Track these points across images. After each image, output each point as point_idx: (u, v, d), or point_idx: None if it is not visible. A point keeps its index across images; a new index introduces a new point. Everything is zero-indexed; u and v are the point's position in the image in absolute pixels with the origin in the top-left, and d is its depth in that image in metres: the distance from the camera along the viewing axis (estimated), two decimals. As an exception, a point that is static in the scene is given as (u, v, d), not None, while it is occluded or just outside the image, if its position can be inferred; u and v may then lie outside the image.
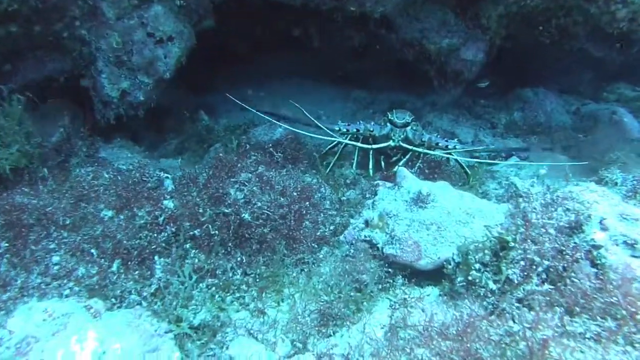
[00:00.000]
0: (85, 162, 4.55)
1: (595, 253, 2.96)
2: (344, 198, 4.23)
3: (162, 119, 7.35)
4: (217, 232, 3.46)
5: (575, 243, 2.99)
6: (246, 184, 3.69)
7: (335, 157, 5.03)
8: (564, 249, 2.98)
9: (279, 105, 7.95)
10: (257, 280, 3.39)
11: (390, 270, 3.34)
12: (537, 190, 3.73)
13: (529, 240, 2.96)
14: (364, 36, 6.98)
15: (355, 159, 4.94)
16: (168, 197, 3.65)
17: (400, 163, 4.75)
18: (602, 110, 6.60)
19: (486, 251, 2.91)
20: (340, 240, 3.61)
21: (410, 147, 4.75)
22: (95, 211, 3.52)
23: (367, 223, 3.52)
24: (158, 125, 7.22)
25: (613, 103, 7.70)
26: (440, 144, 4.80)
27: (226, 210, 3.53)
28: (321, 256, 3.70)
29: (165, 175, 3.87)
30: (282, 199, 3.69)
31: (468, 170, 4.97)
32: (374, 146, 4.82)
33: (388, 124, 5.01)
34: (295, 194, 3.74)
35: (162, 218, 3.43)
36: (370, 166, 4.87)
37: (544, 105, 7.42)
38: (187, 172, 4.06)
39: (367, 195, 4.16)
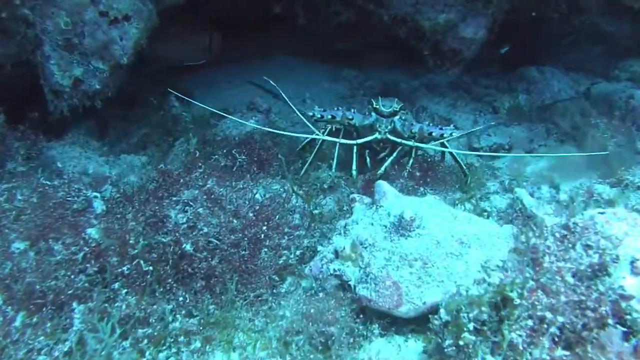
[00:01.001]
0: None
1: (624, 305, 2.23)
2: (317, 211, 3.48)
3: (130, 106, 6.60)
4: (151, 267, 2.74)
5: (599, 292, 2.26)
6: (191, 204, 2.95)
7: (312, 156, 4.26)
8: (584, 299, 2.25)
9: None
10: (202, 327, 2.68)
11: (363, 316, 2.63)
12: (548, 210, 2.99)
13: (539, 291, 2.22)
14: (352, 12, 6.12)
15: (335, 158, 4.17)
16: (95, 222, 2.91)
17: (387, 163, 3.98)
18: (617, 93, 5.76)
19: (483, 308, 2.18)
20: (306, 272, 2.88)
21: (398, 141, 3.98)
22: (4, 243, 2.79)
23: (337, 253, 2.78)
24: (127, 113, 6.48)
25: (626, 82, 6.85)
26: (434, 133, 4.03)
27: (164, 240, 2.81)
28: (284, 290, 2.99)
29: (94, 194, 3.12)
30: (235, 221, 2.96)
31: (466, 170, 4.20)
32: (358, 141, 4.04)
33: (373, 113, 4.23)
34: (251, 214, 3.01)
35: (81, 254, 2.70)
36: (354, 167, 4.11)
37: (551, 85, 6.60)
38: (122, 189, 3.32)
39: (345, 208, 3.42)
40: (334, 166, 4.14)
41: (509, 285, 2.14)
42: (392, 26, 5.71)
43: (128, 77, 7.40)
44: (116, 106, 6.83)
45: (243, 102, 6.62)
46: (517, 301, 2.13)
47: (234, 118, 4.73)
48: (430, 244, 2.64)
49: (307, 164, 4.23)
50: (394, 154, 4.02)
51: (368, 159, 4.21)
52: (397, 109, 4.16)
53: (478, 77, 7.25)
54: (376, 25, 5.98)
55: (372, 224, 2.83)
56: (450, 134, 3.97)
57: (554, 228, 2.38)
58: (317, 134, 4.06)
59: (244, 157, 3.85)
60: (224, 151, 3.92)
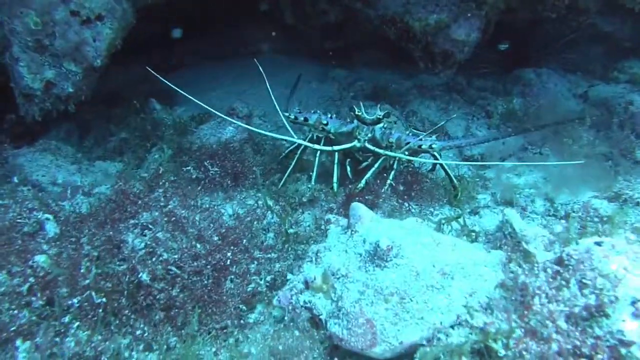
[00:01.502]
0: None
1: (623, 352, 1.99)
2: (293, 230, 3.21)
3: (112, 106, 6.33)
4: (104, 299, 2.48)
5: (595, 337, 2.01)
6: (150, 227, 2.68)
7: (291, 167, 3.99)
8: (578, 345, 2.00)
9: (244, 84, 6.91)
10: (159, 365, 2.43)
11: (336, 355, 2.37)
12: (538, 233, 2.72)
13: (527, 339, 1.97)
14: (339, 11, 5.84)
15: (315, 169, 3.90)
16: (46, 247, 2.65)
17: (368, 174, 3.69)
18: (616, 98, 5.48)
19: (464, 358, 1.92)
20: (275, 303, 2.61)
21: (375, 150, 3.68)
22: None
23: (307, 284, 2.51)
24: (110, 113, 6.21)
25: (625, 84, 6.58)
26: (411, 144, 3.73)
27: (119, 268, 2.54)
28: (252, 320, 2.73)
29: (46, 216, 2.85)
30: (198, 246, 2.70)
31: (456, 182, 3.93)
32: (334, 148, 3.74)
33: (354, 121, 3.95)
34: (216, 238, 2.74)
35: (27, 285, 2.43)
36: (335, 178, 3.84)
37: (548, 88, 6.34)
38: (77, 210, 3.05)
39: (322, 227, 3.15)
40: (313, 178, 3.87)
41: (492, 334, 1.88)
42: (381, 27, 5.44)
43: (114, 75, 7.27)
44: (100, 105, 6.63)
45: (227, 105, 6.36)
46: (502, 352, 1.87)
47: (229, 119, 4.41)
48: (408, 276, 2.38)
49: (286, 175, 3.96)
50: (376, 165, 3.73)
51: (349, 169, 3.92)
52: (381, 117, 3.87)
53: (472, 78, 6.97)
54: (365, 26, 5.70)
55: (346, 252, 2.56)
56: (430, 146, 3.69)
57: (545, 264, 2.12)
58: (295, 139, 3.74)
59: (216, 169, 3.57)
60: (196, 162, 3.64)
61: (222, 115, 3.79)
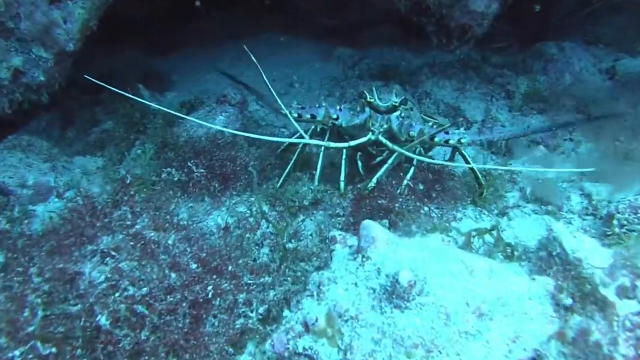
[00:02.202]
0: None
1: None
2: (292, 245, 2.66)
3: (100, 91, 5.76)
4: (53, 349, 1.95)
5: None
6: (113, 254, 2.14)
7: (291, 163, 3.42)
8: None
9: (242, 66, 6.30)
10: None
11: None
12: (595, 253, 2.16)
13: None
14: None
15: (319, 167, 3.33)
16: (-15, 281, 2.11)
17: (380, 172, 3.10)
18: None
19: None
20: (266, 350, 2.08)
21: (391, 147, 3.09)
22: None
23: (306, 325, 1.97)
24: (97, 98, 5.65)
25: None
26: (437, 138, 3.13)
27: (72, 309, 2.01)
28: (241, 364, 2.20)
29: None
30: (172, 275, 2.15)
31: (482, 180, 3.36)
32: (350, 143, 3.14)
33: (367, 109, 3.36)
34: (194, 265, 2.19)
35: (-48, 335, 1.91)
36: (342, 177, 3.27)
37: (572, 63, 5.67)
38: (26, 231, 2.52)
39: (327, 241, 2.59)
40: (317, 177, 3.30)
41: None
42: (390, -1, 4.80)
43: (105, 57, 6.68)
44: (87, 90, 6.07)
45: (222, 88, 5.77)
46: None
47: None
48: (436, 320, 1.83)
49: (285, 173, 3.40)
50: (390, 160, 3.15)
51: (360, 165, 3.35)
52: (397, 104, 3.28)
53: (488, 53, 6.31)
54: (372, -1, 5.07)
55: (355, 285, 2.01)
56: (459, 141, 3.07)
57: (629, 319, 1.56)
58: (299, 139, 3.14)
59: (202, 170, 3.01)
60: (179, 162, 3.08)
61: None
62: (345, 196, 3.23)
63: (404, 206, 2.82)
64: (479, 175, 3.37)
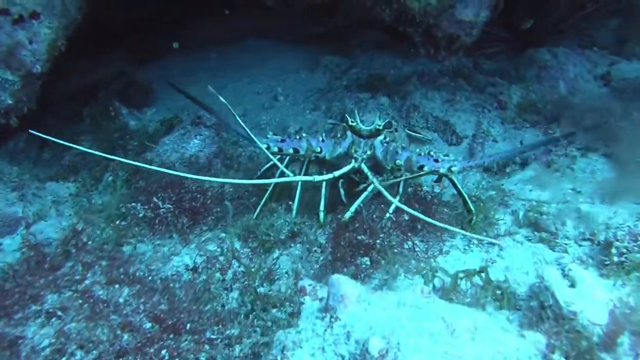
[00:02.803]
0: None
1: None
2: (263, 289, 2.44)
3: (85, 102, 5.56)
4: None
5: None
6: (59, 314, 1.92)
7: (267, 195, 3.20)
8: None
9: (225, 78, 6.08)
10: None
11: None
12: (593, 305, 1.95)
13: None
14: (326, -9, 4.98)
15: (297, 198, 3.11)
16: None
17: (357, 201, 2.87)
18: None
19: None
20: None
21: (371, 179, 2.86)
22: None
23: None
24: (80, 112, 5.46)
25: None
26: (427, 167, 2.90)
27: (9, 383, 1.79)
28: None
29: None
30: (125, 336, 1.93)
31: (471, 205, 3.14)
32: (330, 176, 2.89)
33: (348, 133, 3.14)
34: (149, 324, 1.97)
35: None
36: (321, 206, 3.06)
37: (566, 70, 5.44)
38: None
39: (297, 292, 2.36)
40: (294, 209, 3.08)
41: None
42: (375, 7, 4.57)
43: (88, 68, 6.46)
44: (71, 104, 5.87)
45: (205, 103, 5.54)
46: None
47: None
48: (413, 396, 1.61)
49: (261, 203, 3.17)
50: (369, 189, 2.92)
51: (342, 192, 3.13)
52: (381, 127, 3.07)
53: (478, 59, 6.08)
54: (355, 6, 4.84)
55: (323, 350, 1.79)
56: (449, 169, 2.84)
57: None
58: (294, 177, 2.86)
59: (169, 205, 2.79)
60: (147, 194, 2.86)
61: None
62: (325, 227, 3.02)
63: (385, 242, 2.59)
64: (469, 201, 3.14)
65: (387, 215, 2.82)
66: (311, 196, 3.26)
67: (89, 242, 2.19)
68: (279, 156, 3.03)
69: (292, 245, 3.00)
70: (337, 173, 2.87)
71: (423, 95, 4.97)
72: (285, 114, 5.33)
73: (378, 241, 2.59)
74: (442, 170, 2.84)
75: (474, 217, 3.13)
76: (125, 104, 5.68)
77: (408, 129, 4.28)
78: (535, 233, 3.20)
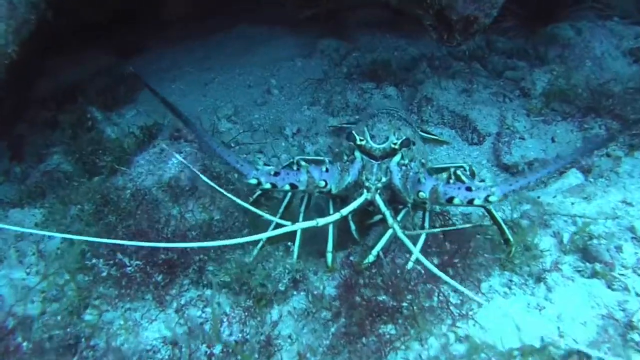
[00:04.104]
0: None
1: None
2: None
3: (62, 106, 4.96)
4: None
5: None
6: None
7: (259, 245, 2.58)
8: None
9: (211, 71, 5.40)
10: None
11: None
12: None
13: None
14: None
15: (298, 238, 2.50)
16: None
17: (379, 245, 2.29)
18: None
19: None
20: None
21: (389, 219, 2.23)
22: None
23: None
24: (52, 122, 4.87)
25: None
26: (456, 200, 2.21)
27: None
28: None
29: None
30: None
31: (509, 235, 2.53)
32: (338, 216, 2.26)
33: (357, 155, 2.51)
34: None
35: None
36: (329, 246, 2.45)
37: (592, 47, 4.79)
38: None
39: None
40: (295, 251, 2.46)
41: None
42: (378, -12, 3.87)
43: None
44: (49, 106, 5.26)
45: (189, 103, 4.89)
46: None
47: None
48: None
49: (258, 247, 2.56)
50: (389, 233, 2.30)
51: (353, 226, 2.52)
52: (397, 145, 2.44)
53: (492, 36, 5.37)
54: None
55: None
56: (486, 198, 2.19)
57: None
58: (290, 225, 2.19)
59: (138, 261, 2.18)
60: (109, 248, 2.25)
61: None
62: (334, 271, 2.42)
63: (414, 305, 1.99)
64: (507, 231, 2.53)
65: (411, 263, 2.21)
66: (315, 230, 2.64)
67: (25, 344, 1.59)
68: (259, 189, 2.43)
69: (295, 293, 2.40)
70: (345, 211, 2.24)
71: (436, 84, 4.30)
72: (281, 110, 4.67)
73: (405, 304, 1.99)
74: (477, 202, 2.20)
75: (513, 249, 2.52)
76: (108, 103, 5.07)
77: (421, 131, 3.65)
78: (587, 263, 2.60)
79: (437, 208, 2.61)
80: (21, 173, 4.36)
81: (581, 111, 3.73)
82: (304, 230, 2.55)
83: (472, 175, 2.83)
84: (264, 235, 2.17)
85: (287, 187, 2.31)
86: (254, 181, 2.28)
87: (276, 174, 2.31)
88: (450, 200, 2.19)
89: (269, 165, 2.34)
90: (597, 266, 2.55)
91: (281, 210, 2.73)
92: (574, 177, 3.18)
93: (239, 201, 2.24)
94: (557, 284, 2.47)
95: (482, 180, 2.25)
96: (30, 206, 3.55)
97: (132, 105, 5.07)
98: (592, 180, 3.17)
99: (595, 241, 2.66)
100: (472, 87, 4.23)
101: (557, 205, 2.99)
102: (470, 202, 2.20)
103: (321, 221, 2.15)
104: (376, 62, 4.89)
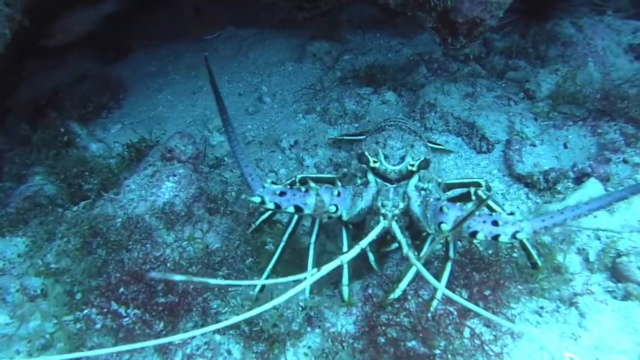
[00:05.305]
0: None
1: None
2: None
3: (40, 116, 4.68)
4: None
5: None
6: None
7: (271, 264, 2.37)
8: None
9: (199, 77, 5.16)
10: None
11: None
12: None
13: None
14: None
15: (310, 266, 2.29)
16: None
17: (405, 280, 2.09)
18: None
19: None
20: None
21: (411, 258, 1.99)
22: None
23: None
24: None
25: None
26: (481, 234, 1.94)
27: None
28: None
29: None
30: None
31: (537, 258, 2.35)
32: (357, 250, 2.02)
33: (370, 178, 2.30)
34: None
35: None
36: (344, 280, 2.23)
37: (594, 45, 4.62)
38: None
39: None
40: (306, 290, 2.24)
41: None
42: (376, -10, 3.66)
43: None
44: (27, 115, 4.97)
45: (177, 115, 4.63)
46: None
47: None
48: None
49: (262, 277, 2.35)
50: (413, 271, 2.10)
51: (372, 257, 2.30)
52: (415, 167, 2.23)
53: (488, 35, 5.18)
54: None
55: None
56: (514, 235, 1.93)
57: None
58: (309, 275, 1.91)
59: (136, 310, 1.95)
60: (102, 292, 2.01)
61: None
62: (351, 306, 2.21)
63: (449, 353, 1.79)
64: (534, 255, 2.35)
65: (435, 303, 2.00)
66: (327, 256, 2.44)
67: None
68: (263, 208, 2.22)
69: (310, 330, 2.19)
70: (364, 243, 2.02)
71: (437, 89, 4.09)
72: (274, 119, 4.43)
73: (438, 351, 1.78)
74: (502, 239, 1.96)
75: (539, 274, 2.34)
76: (90, 111, 4.79)
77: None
78: (618, 284, 2.43)
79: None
80: (6, 192, 4.07)
81: (592, 114, 3.55)
82: (315, 259, 2.36)
83: (489, 191, 2.63)
84: (308, 280, 1.89)
85: (292, 210, 2.07)
86: (257, 199, 2.04)
87: (282, 193, 2.08)
88: (473, 235, 1.96)
89: (277, 184, 2.11)
90: (630, 287, 2.38)
91: (285, 238, 2.50)
92: (593, 186, 3.01)
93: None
94: (589, 308, 2.29)
95: (512, 213, 2.03)
96: (12, 235, 3.29)
97: (117, 110, 4.79)
98: (612, 189, 3.00)
99: (624, 259, 2.49)
100: (475, 91, 4.03)
101: (583, 221, 2.82)
102: (495, 238, 1.97)
103: (344, 258, 1.92)
104: (372, 67, 4.67)
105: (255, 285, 2.35)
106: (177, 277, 1.51)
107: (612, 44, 4.77)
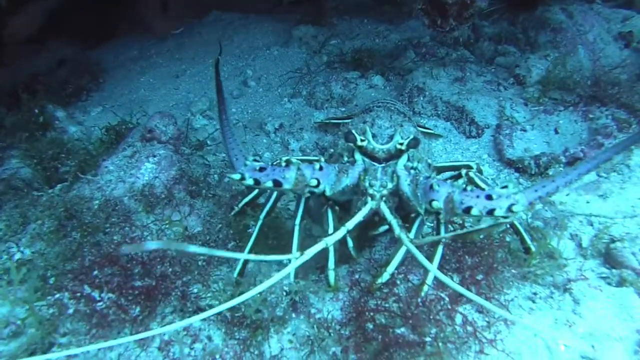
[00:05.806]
0: None
1: None
2: None
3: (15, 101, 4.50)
4: None
5: None
6: None
7: (249, 244, 2.26)
8: None
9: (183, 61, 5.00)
10: None
11: None
12: None
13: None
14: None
15: (294, 248, 2.18)
16: None
17: (392, 263, 2.00)
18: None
19: None
20: None
21: (402, 237, 1.89)
22: None
23: None
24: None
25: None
26: (475, 209, 1.86)
27: None
28: None
29: None
30: None
31: (530, 243, 2.27)
32: (344, 231, 1.94)
33: (357, 157, 2.19)
34: None
35: None
36: (330, 264, 2.13)
37: (584, 32, 4.55)
38: None
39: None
40: (292, 271, 2.13)
41: None
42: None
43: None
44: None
45: (159, 98, 4.48)
46: None
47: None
48: None
49: (240, 263, 2.24)
50: (403, 250, 2.00)
51: (351, 242, 2.18)
52: (404, 146, 2.13)
53: (476, 22, 5.09)
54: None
55: None
56: (510, 208, 1.87)
57: None
58: (293, 256, 1.82)
59: (111, 294, 1.83)
60: (74, 279, 1.88)
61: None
62: (337, 291, 2.11)
63: (439, 341, 1.69)
64: (528, 241, 2.27)
65: (425, 289, 1.91)
66: (312, 240, 2.32)
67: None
68: (244, 186, 2.11)
69: (294, 316, 2.08)
70: (350, 224, 1.92)
71: (426, 73, 3.99)
72: (259, 102, 4.31)
73: (428, 339, 1.69)
74: (498, 213, 1.87)
75: (533, 259, 2.26)
76: (67, 99, 4.63)
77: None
78: (612, 270, 2.36)
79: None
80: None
81: (584, 100, 3.48)
82: (300, 242, 2.25)
83: (481, 174, 2.54)
84: (291, 264, 1.79)
85: (270, 184, 1.96)
86: (237, 176, 1.92)
87: (262, 169, 1.96)
88: (467, 211, 1.87)
89: (259, 161, 1.99)
90: (624, 273, 2.31)
91: (262, 216, 2.39)
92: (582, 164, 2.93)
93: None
94: (584, 295, 2.21)
95: (505, 187, 1.95)
96: (-14, 218, 3.13)
97: (97, 93, 4.62)
98: (605, 175, 2.93)
99: (618, 244, 2.42)
100: (465, 76, 3.94)
101: (571, 204, 2.75)
102: (491, 213, 1.88)
103: (329, 240, 1.82)
104: (360, 51, 4.55)
105: (235, 267, 2.23)
106: (151, 245, 1.40)
107: (602, 31, 4.71)
